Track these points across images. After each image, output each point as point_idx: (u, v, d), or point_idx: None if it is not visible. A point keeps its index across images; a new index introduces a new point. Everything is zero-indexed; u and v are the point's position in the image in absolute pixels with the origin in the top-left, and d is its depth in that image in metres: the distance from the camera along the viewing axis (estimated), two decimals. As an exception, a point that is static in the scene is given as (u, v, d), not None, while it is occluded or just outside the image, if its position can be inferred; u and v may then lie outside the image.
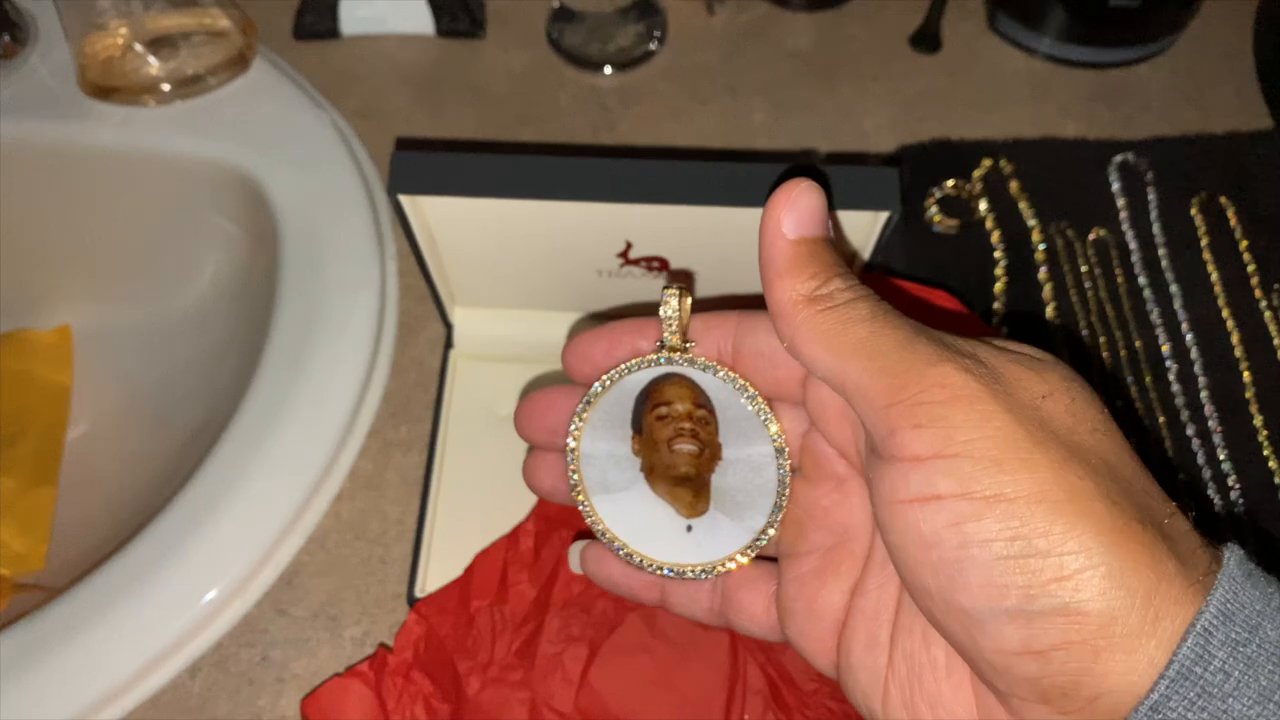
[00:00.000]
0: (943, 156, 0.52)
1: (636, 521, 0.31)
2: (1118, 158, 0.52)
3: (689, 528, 0.31)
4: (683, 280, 0.41)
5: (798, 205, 0.26)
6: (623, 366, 0.30)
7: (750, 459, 0.30)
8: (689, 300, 0.30)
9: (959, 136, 0.53)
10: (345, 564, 0.42)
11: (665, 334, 0.30)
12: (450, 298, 0.45)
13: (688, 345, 0.30)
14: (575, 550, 0.33)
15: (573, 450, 0.31)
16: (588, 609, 0.39)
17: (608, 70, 0.56)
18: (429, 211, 0.37)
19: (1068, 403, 0.23)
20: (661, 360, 0.30)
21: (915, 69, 0.57)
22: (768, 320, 0.28)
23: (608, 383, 0.30)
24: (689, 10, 0.59)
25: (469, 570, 0.39)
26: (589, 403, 0.31)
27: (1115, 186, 0.51)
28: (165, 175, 0.52)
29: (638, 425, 0.31)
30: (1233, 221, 0.50)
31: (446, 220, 0.38)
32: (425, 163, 0.35)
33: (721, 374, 0.29)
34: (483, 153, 0.36)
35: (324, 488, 0.43)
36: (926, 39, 0.57)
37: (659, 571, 0.31)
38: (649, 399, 0.31)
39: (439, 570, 0.41)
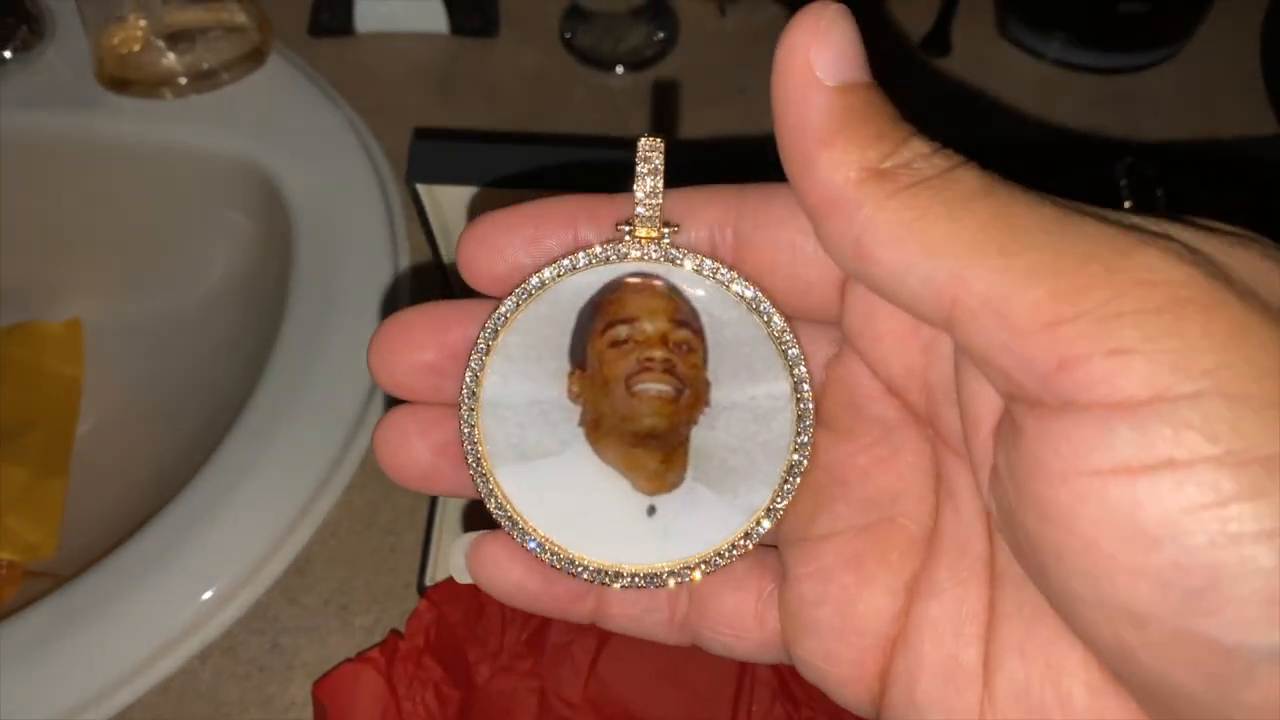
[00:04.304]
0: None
1: (567, 502, 0.21)
2: (1126, 160, 0.52)
3: (651, 509, 0.21)
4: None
5: (831, 36, 0.17)
6: (562, 263, 0.21)
7: (753, 404, 0.21)
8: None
9: (968, 140, 0.54)
10: (356, 553, 0.42)
11: (639, 209, 0.20)
12: (464, 291, 0.45)
13: (667, 231, 0.20)
14: (460, 546, 0.22)
15: (471, 396, 0.21)
16: (598, 600, 0.39)
17: (620, 70, 0.57)
18: (445, 202, 0.37)
19: None
20: (623, 253, 0.21)
21: (925, 72, 0.57)
22: (784, 195, 0.19)
23: (533, 289, 0.21)
24: (701, 12, 0.59)
25: (480, 560, 0.39)
26: (502, 321, 0.21)
27: (1123, 190, 0.52)
28: (180, 169, 0.52)
29: (579, 356, 0.21)
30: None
31: (462, 211, 0.38)
32: (443, 153, 0.36)
33: (720, 274, 0.20)
34: (500, 144, 0.36)
35: (335, 477, 0.43)
36: (937, 43, 0.57)
37: (597, 580, 0.21)
38: (599, 314, 0.21)
39: (449, 559, 0.41)
